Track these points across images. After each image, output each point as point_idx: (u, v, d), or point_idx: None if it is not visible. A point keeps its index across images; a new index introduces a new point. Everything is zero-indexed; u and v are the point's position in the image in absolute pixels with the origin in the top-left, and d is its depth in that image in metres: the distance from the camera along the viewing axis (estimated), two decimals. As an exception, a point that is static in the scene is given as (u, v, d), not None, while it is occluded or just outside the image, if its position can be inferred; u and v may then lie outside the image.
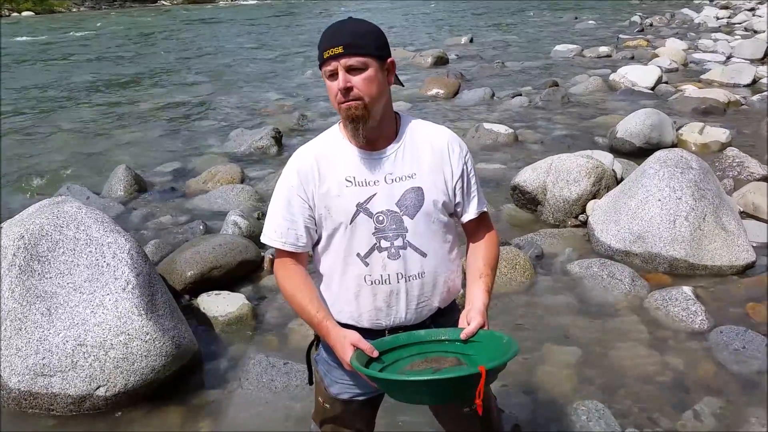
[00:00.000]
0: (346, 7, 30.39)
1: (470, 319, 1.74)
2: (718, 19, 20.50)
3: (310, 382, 2.05)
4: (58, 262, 3.16)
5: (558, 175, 5.19)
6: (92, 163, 7.26)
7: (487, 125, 7.57)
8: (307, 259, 1.89)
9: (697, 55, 13.20)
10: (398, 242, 1.76)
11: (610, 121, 7.80)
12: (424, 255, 1.79)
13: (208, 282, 4.05)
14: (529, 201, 5.33)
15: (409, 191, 1.76)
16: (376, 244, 1.76)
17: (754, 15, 20.01)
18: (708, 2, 26.33)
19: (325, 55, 1.68)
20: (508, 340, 1.67)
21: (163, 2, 38.84)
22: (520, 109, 9.25)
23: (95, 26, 23.67)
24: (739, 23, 19.20)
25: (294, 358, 3.33)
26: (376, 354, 1.69)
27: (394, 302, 1.80)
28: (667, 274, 4.20)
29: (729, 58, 12.77)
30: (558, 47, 14.84)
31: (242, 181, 6.29)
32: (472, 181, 1.87)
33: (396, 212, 1.76)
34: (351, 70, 1.66)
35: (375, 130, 1.75)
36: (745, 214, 4.93)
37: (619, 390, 3.08)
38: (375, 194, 1.75)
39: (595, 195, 5.09)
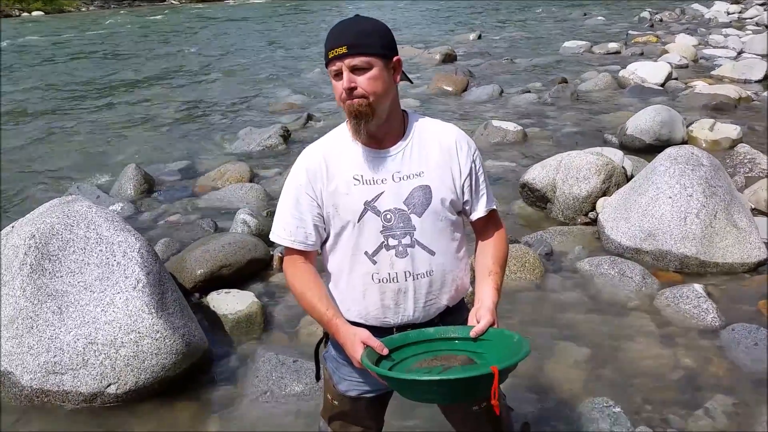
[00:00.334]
0: (355, 5, 30.42)
1: (480, 317, 1.74)
2: (728, 14, 20.32)
3: (318, 378, 2.05)
4: (68, 261, 3.18)
5: (567, 172, 5.17)
6: (102, 162, 7.29)
7: (495, 122, 7.55)
8: (317, 257, 1.89)
9: (708, 51, 13.10)
10: (406, 240, 1.76)
11: (619, 118, 7.76)
12: (432, 253, 1.78)
13: (218, 280, 4.07)
14: (538, 198, 5.31)
15: (417, 189, 1.76)
16: (383, 242, 1.76)
17: (765, 10, 19.81)
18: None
19: (330, 55, 1.68)
20: (518, 339, 1.66)
21: (172, 1, 38.94)
22: (529, 106, 9.22)
23: (104, 25, 23.79)
24: (751, 18, 19.03)
25: (303, 356, 3.33)
26: (386, 351, 1.69)
27: (401, 300, 1.80)
28: (678, 272, 4.17)
29: (740, 53, 12.66)
30: (567, 43, 14.77)
31: (251, 180, 6.30)
32: (481, 179, 1.87)
33: (404, 210, 1.76)
34: (355, 69, 1.67)
35: (382, 128, 1.75)
36: (756, 211, 4.89)
37: (630, 388, 3.07)
38: (383, 192, 1.75)
39: (605, 192, 5.07)
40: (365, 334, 1.72)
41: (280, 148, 7.39)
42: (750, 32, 15.38)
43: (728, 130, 6.85)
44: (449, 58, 13.41)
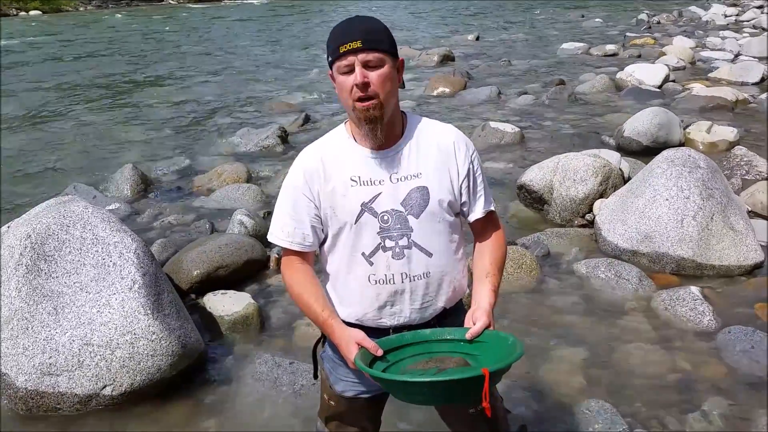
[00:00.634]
0: (353, 6, 30.43)
1: (476, 319, 1.73)
2: (726, 16, 20.39)
3: (315, 378, 2.05)
4: (64, 262, 3.17)
5: (565, 174, 5.17)
6: (99, 162, 7.28)
7: (493, 124, 7.55)
8: (314, 258, 1.89)
9: (705, 53, 13.13)
10: (403, 242, 1.75)
11: (617, 120, 7.76)
12: (429, 255, 1.78)
13: (214, 281, 4.05)
14: (535, 200, 5.31)
15: (414, 191, 1.76)
16: (380, 243, 1.75)
17: (762, 12, 19.88)
18: (716, 0, 26.18)
19: (342, 50, 1.65)
20: (513, 341, 1.65)
21: (170, 1, 38.89)
22: (527, 107, 9.22)
23: (101, 25, 23.75)
24: (748, 21, 19.10)
25: (300, 358, 3.33)
26: (380, 353, 1.69)
27: (398, 302, 1.80)
28: (674, 274, 4.17)
29: (737, 56, 12.69)
30: (565, 45, 14.80)
31: (248, 180, 6.29)
32: (479, 180, 1.86)
33: (401, 212, 1.75)
34: (368, 65, 1.65)
35: (384, 130, 1.74)
36: (753, 214, 4.90)
37: (626, 390, 3.07)
38: (380, 194, 1.74)
39: (602, 194, 5.07)
40: (360, 335, 1.72)
41: (277, 149, 7.39)
42: (747, 35, 15.43)
43: (725, 132, 6.86)
44: (447, 60, 13.43)
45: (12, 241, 3.22)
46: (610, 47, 14.17)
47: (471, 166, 1.83)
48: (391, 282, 1.77)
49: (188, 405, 3.10)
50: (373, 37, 1.66)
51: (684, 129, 6.89)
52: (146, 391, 3.05)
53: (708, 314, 3.61)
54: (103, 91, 11.61)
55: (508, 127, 7.45)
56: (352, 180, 1.75)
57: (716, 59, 12.41)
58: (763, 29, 16.13)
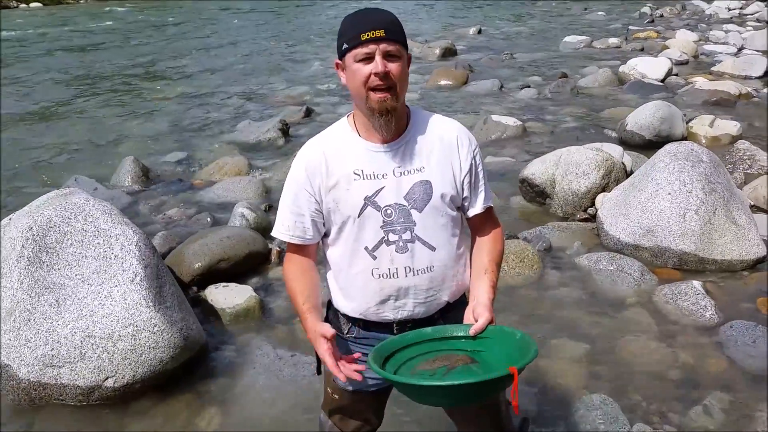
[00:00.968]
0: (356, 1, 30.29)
1: (477, 315, 1.72)
2: (729, 10, 20.27)
3: (318, 372, 2.05)
4: (66, 254, 3.17)
5: (567, 167, 5.16)
6: (100, 154, 7.27)
7: (495, 117, 7.53)
8: (316, 250, 1.89)
9: (708, 47, 13.07)
10: (406, 236, 1.75)
11: (619, 114, 7.74)
12: (432, 249, 1.77)
13: (216, 274, 4.06)
14: (537, 194, 5.30)
15: (418, 185, 1.75)
16: (384, 237, 1.75)
17: (766, 6, 19.77)
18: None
19: (363, 37, 1.63)
20: (521, 337, 1.64)
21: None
22: (529, 100, 9.20)
23: (102, 17, 23.68)
24: (751, 14, 19.00)
25: (301, 350, 3.33)
26: (329, 334, 1.67)
27: (402, 296, 1.79)
28: (676, 269, 4.17)
29: (741, 49, 12.63)
30: (567, 38, 14.74)
31: (249, 173, 6.29)
32: (480, 175, 1.86)
33: (404, 206, 1.74)
34: (387, 56, 1.64)
35: (396, 122, 1.74)
36: (755, 208, 4.89)
37: (628, 384, 3.07)
38: (383, 187, 1.74)
39: (604, 188, 5.06)
40: (325, 328, 1.71)
41: (278, 142, 7.37)
42: (751, 28, 15.35)
43: (728, 126, 6.84)
44: (449, 53, 13.38)
45: (14, 233, 3.21)
46: (613, 40, 14.12)
47: (473, 161, 1.82)
48: (395, 276, 1.77)
49: (190, 397, 3.11)
50: (395, 28, 1.67)
51: (687, 123, 6.87)
52: (148, 383, 3.05)
53: (710, 309, 3.61)
54: (104, 84, 11.59)
55: (510, 121, 7.44)
56: (355, 174, 1.74)
57: (719, 53, 12.36)
58: (767, 22, 16.05)
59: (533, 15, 21.95)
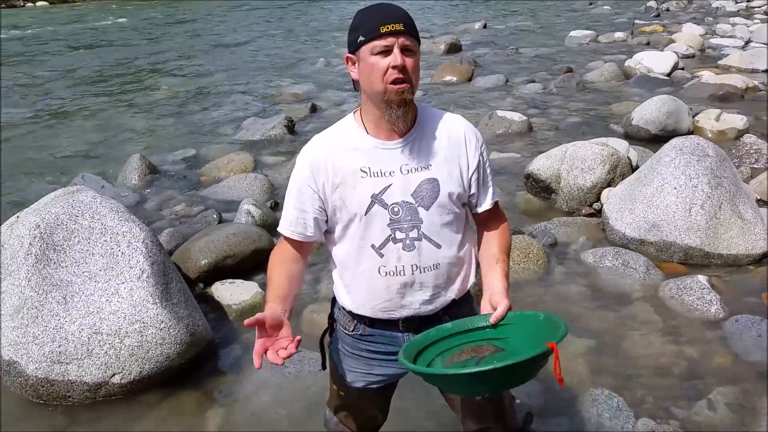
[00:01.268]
0: (358, -6, 30.26)
1: (496, 303, 1.72)
2: (736, 3, 20.14)
3: (324, 368, 2.06)
4: (73, 251, 3.19)
5: (572, 162, 5.15)
6: (107, 152, 7.31)
7: (500, 113, 7.52)
8: (310, 248, 1.88)
9: (715, 41, 12.99)
10: (413, 234, 1.75)
11: (625, 108, 7.72)
12: (438, 246, 1.77)
13: (222, 270, 4.08)
14: (542, 189, 5.30)
15: (425, 182, 1.75)
16: (390, 235, 1.74)
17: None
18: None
19: (383, 30, 1.62)
20: (545, 317, 1.64)
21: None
22: (534, 95, 9.18)
23: (109, 16, 23.74)
24: (758, 7, 18.86)
25: (306, 346, 3.31)
26: (263, 318, 1.67)
27: (408, 294, 1.79)
28: (682, 263, 4.16)
29: (747, 43, 12.55)
30: (573, 33, 14.67)
31: (255, 170, 6.31)
32: (488, 171, 1.86)
33: (411, 203, 1.74)
34: (405, 50, 1.64)
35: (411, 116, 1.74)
36: (762, 202, 4.87)
37: (633, 379, 3.07)
38: (390, 185, 1.73)
39: (609, 183, 5.05)
40: (266, 313, 1.70)
41: (284, 139, 7.39)
42: (758, 21, 15.24)
43: (734, 120, 6.81)
44: (454, 48, 13.35)
45: (21, 231, 3.24)
46: (619, 35, 14.05)
47: (481, 158, 1.82)
48: (402, 274, 1.77)
49: (196, 393, 3.13)
50: (412, 23, 1.67)
51: (693, 117, 6.84)
52: (155, 380, 3.08)
53: (715, 303, 3.60)
54: (110, 82, 11.63)
55: (516, 116, 7.42)
56: (362, 171, 1.73)
57: (726, 46, 12.28)
58: (774, 16, 15.95)
59: (539, 9, 21.86)
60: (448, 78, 10.36)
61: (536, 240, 4.38)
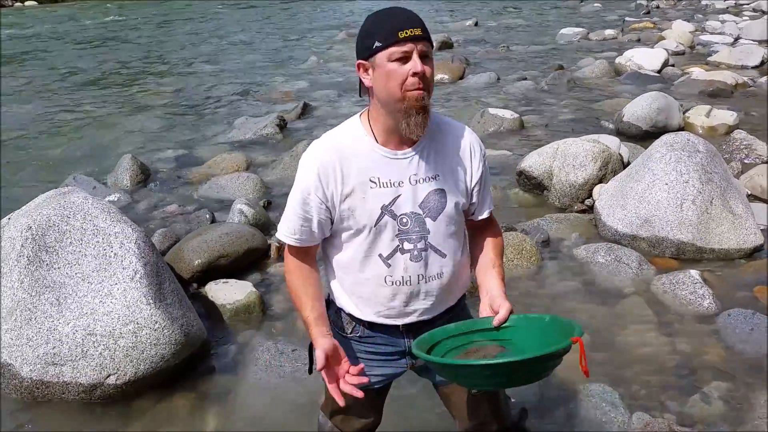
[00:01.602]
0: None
1: (497, 307, 1.72)
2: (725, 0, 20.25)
3: (310, 372, 2.04)
4: (65, 253, 3.18)
5: (564, 159, 5.17)
6: (98, 153, 7.26)
7: (492, 110, 7.53)
8: (317, 248, 1.86)
9: (705, 37, 13.06)
10: (421, 244, 1.74)
11: (616, 105, 7.75)
12: (443, 256, 1.78)
13: (216, 270, 4.07)
14: (535, 186, 5.31)
15: (432, 193, 1.74)
16: (398, 246, 1.73)
17: (762, -5, 19.74)
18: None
19: (401, 35, 1.57)
20: (552, 318, 1.66)
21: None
22: (526, 93, 9.19)
23: (100, 15, 23.60)
24: (747, 4, 18.96)
25: (302, 345, 3.34)
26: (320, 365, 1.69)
27: (412, 302, 1.80)
28: (674, 258, 4.19)
29: (737, 39, 12.62)
30: (563, 30, 14.71)
31: (247, 169, 6.29)
32: (488, 181, 1.87)
33: (419, 214, 1.73)
34: (422, 56, 1.60)
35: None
36: (752, 197, 4.91)
37: (627, 374, 3.09)
38: (399, 196, 1.71)
39: (601, 179, 5.07)
40: (328, 344, 1.71)
41: (276, 137, 7.37)
42: (747, 18, 15.35)
43: (725, 116, 6.86)
44: (445, 46, 13.35)
45: (13, 233, 3.22)
46: (609, 32, 14.10)
47: (484, 169, 1.83)
48: (408, 283, 1.76)
49: (192, 393, 3.12)
50: (426, 28, 1.63)
51: (683, 113, 6.88)
52: (150, 380, 3.07)
53: (708, 297, 3.63)
54: (101, 82, 11.56)
55: (507, 114, 7.43)
56: (372, 181, 1.70)
57: (716, 43, 12.34)
58: (763, 12, 16.04)
59: (530, 7, 21.90)
60: (439, 76, 10.34)
61: (529, 236, 4.39)
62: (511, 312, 1.71)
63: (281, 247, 4.23)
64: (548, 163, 5.23)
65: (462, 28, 16.67)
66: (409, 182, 1.71)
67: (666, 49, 10.86)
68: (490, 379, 1.55)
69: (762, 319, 3.40)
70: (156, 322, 3.07)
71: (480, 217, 1.89)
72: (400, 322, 1.83)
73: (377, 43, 1.59)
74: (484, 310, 1.75)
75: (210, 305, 3.79)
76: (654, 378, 3.05)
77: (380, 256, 1.74)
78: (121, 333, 3.02)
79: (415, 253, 1.74)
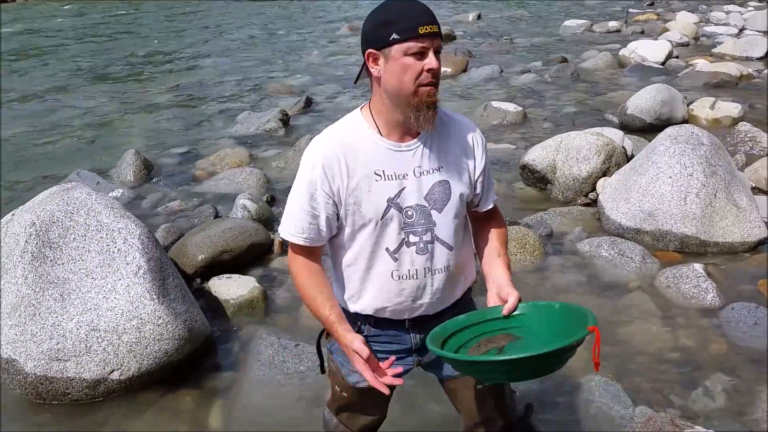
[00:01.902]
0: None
1: (506, 295, 1.72)
2: (730, -10, 20.10)
3: (323, 371, 2.04)
4: (69, 249, 3.19)
5: (568, 153, 5.15)
6: (102, 148, 7.27)
7: (495, 103, 7.51)
8: (324, 248, 1.84)
9: (709, 29, 12.99)
10: (427, 237, 1.73)
11: (620, 98, 7.72)
12: (450, 248, 1.77)
13: (219, 265, 4.07)
14: (538, 179, 5.30)
15: (437, 185, 1.73)
16: (404, 239, 1.73)
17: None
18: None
19: (422, 31, 1.56)
20: (562, 306, 1.66)
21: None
22: (529, 86, 9.17)
23: (97, 11, 23.58)
24: (752, -6, 18.84)
25: (305, 340, 3.35)
26: (365, 354, 1.67)
27: (420, 296, 1.79)
28: (678, 252, 4.18)
29: (742, 30, 12.56)
30: (567, 22, 14.66)
31: (250, 164, 6.29)
32: (491, 172, 1.88)
33: (425, 206, 1.72)
34: (435, 53, 1.62)
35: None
36: (757, 190, 4.89)
37: (631, 367, 3.09)
38: (404, 188, 1.70)
39: (605, 173, 5.06)
40: (359, 345, 1.68)
41: (278, 132, 7.37)
42: (752, 9, 15.24)
43: (729, 108, 6.82)
44: (448, 39, 13.30)
45: (17, 229, 3.23)
46: (613, 24, 14.04)
47: (487, 160, 1.83)
48: (415, 277, 1.76)
49: (195, 388, 3.13)
50: (438, 23, 1.64)
51: (687, 106, 6.85)
52: (154, 375, 3.08)
53: (711, 291, 3.62)
54: (104, 77, 11.56)
55: (511, 107, 7.42)
56: (377, 174, 1.69)
57: (720, 34, 12.28)
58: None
59: (532, -1, 21.79)
60: (442, 69, 10.31)
61: (532, 230, 4.38)
62: (519, 300, 1.71)
63: (284, 242, 4.24)
64: (552, 156, 5.22)
65: (465, 20, 16.62)
66: (414, 174, 1.71)
67: (670, 41, 10.82)
68: (508, 374, 1.55)
69: (765, 312, 3.39)
70: (160, 318, 3.08)
71: (485, 209, 1.89)
72: (407, 316, 1.83)
73: (395, 35, 1.57)
74: (491, 299, 1.76)
75: (213, 300, 3.80)
76: (657, 371, 3.05)
77: (387, 250, 1.73)
78: (124, 328, 3.03)
79: (421, 245, 1.73)
